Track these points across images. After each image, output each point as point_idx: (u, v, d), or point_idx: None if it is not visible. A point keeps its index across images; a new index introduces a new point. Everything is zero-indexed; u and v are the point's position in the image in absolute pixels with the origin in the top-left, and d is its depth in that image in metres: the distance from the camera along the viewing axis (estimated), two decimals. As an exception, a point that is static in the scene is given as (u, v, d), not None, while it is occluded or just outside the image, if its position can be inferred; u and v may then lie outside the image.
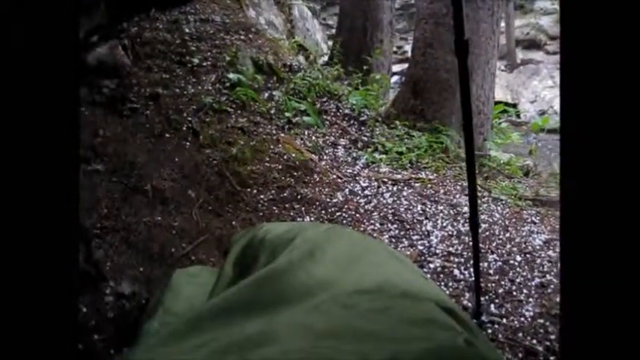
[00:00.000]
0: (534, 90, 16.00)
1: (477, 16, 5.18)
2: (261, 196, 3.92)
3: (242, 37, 5.55)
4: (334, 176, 4.37)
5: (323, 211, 3.87)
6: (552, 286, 3.17)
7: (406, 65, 7.05)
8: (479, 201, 4.36)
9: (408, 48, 14.72)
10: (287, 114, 4.84)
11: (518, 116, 15.52)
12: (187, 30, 5.32)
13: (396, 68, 13.42)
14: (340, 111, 5.42)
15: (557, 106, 14.55)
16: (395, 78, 12.67)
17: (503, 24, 11.77)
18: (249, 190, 3.93)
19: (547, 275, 3.30)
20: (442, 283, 3.20)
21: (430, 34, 5.46)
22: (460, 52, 1.97)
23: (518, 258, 3.50)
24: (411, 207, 4.13)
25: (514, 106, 14.90)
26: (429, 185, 4.50)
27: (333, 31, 8.83)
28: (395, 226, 3.83)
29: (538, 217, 4.36)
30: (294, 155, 4.34)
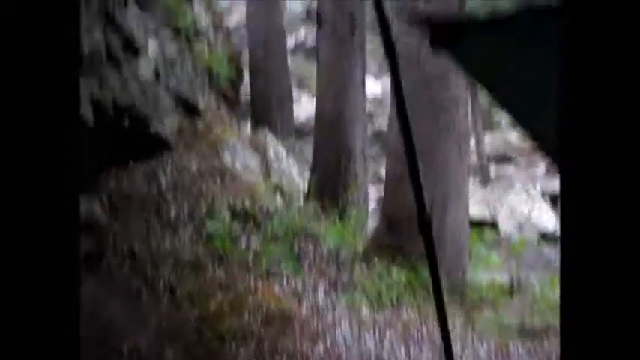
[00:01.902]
0: (510, 204, 16.26)
1: (446, 149, 5.39)
2: (241, 351, 3.85)
3: (218, 183, 5.67)
4: (314, 324, 4.32)
5: (304, 365, 3.80)
6: None
7: (382, 187, 7.22)
8: (463, 335, 4.31)
9: (383, 172, 15.04)
10: (265, 262, 4.86)
11: (497, 232, 15.63)
12: (164, 181, 5.43)
13: (372, 191, 13.62)
14: (318, 251, 5.45)
15: (534, 219, 14.76)
16: (372, 204, 12.85)
17: (473, 142, 12.17)
18: (227, 345, 3.86)
19: None
20: None
21: (400, 170, 5.62)
22: (424, 228, 2.02)
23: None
24: (393, 352, 4.07)
25: (493, 225, 15.04)
26: (411, 325, 4.46)
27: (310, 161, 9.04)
28: (378, 376, 3.76)
29: (524, 349, 4.31)
30: (272, 305, 4.31)
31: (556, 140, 1.14)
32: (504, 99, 1.69)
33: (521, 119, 1.71)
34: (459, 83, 5.53)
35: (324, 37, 7.58)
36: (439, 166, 5.27)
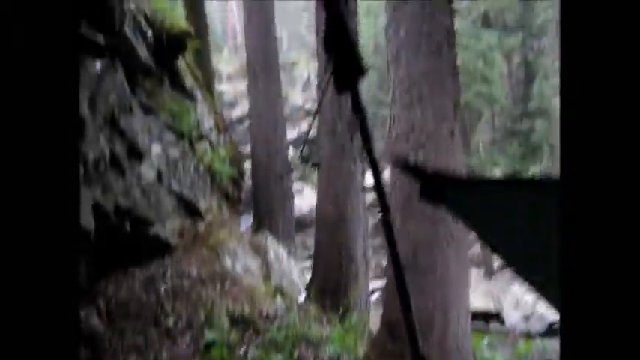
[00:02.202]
0: (515, 295, 16.05)
1: (443, 257, 5.37)
2: None
3: (218, 288, 5.63)
4: None
5: None
6: None
7: (385, 280, 7.13)
8: None
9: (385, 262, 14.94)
10: (263, 373, 4.75)
11: (502, 323, 15.38)
12: (163, 286, 5.40)
13: (375, 284, 13.51)
14: (319, 358, 5.33)
15: (541, 309, 14.51)
16: (375, 295, 12.71)
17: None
18: None
19: None
20: None
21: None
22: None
23: None
24: None
25: (497, 316, 14.83)
26: None
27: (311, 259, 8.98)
28: None
29: None
30: (271, 421, 4.18)
31: (556, 290, 1.14)
32: (497, 249, 1.71)
33: (519, 269, 1.71)
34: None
35: (324, 138, 7.73)
36: (439, 275, 5.23)
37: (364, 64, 1.57)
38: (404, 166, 1.70)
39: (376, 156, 1.63)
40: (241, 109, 20.03)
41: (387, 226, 1.66)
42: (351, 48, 1.48)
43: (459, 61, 5.77)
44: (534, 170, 21.11)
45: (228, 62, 24.10)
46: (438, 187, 1.49)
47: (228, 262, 6.11)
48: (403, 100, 5.21)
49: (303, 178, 18.00)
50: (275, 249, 7.05)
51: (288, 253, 7.54)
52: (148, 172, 6.21)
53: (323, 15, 1.48)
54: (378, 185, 1.62)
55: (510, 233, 1.51)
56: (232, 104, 21.63)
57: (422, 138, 5.20)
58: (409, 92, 5.16)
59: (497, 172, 21.93)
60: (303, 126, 21.06)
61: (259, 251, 6.84)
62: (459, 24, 17.82)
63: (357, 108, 1.56)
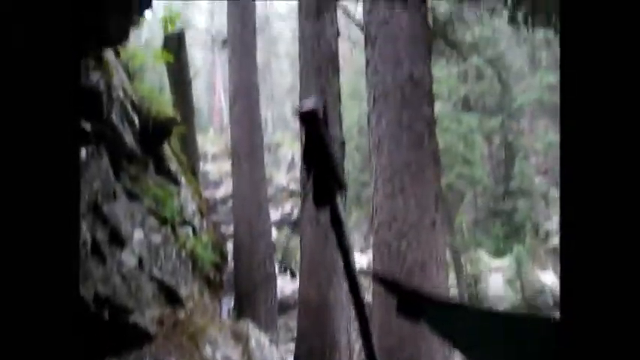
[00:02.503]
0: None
1: (429, 350, 5.28)
2: None
3: (197, 380, 5.46)
4: None
5: None
6: None
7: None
8: None
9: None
10: None
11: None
12: (141, 379, 5.22)
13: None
14: None
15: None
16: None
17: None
18: None
19: None
20: None
21: None
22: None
23: None
24: None
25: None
26: None
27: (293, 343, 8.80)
28: None
29: None
30: None
31: None
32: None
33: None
34: (439, 273, 5.58)
35: (307, 224, 7.74)
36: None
37: (343, 178, 1.59)
38: (381, 282, 1.70)
39: (354, 269, 1.62)
40: (225, 188, 20.10)
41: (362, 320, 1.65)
42: (331, 163, 1.50)
43: (440, 144, 5.89)
44: (518, 249, 21.16)
45: (214, 142, 24.39)
46: (416, 305, 1.49)
47: (208, 350, 5.94)
48: (385, 190, 5.28)
49: (286, 259, 17.83)
50: (257, 337, 6.89)
51: (270, 340, 7.38)
52: (129, 258, 6.13)
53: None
54: (356, 298, 1.61)
55: (495, 354, 1.50)
56: (217, 184, 21.73)
57: (404, 227, 5.23)
58: (391, 182, 5.24)
59: (482, 253, 21.95)
60: (287, 207, 21.11)
61: (241, 339, 6.68)
62: (440, 107, 18.30)
63: (336, 221, 1.57)
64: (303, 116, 1.46)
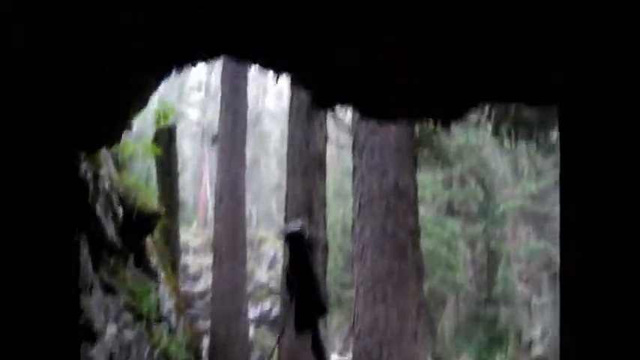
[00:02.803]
0: None
1: None
2: None
3: None
4: None
5: None
6: None
7: None
8: None
9: None
10: None
11: None
12: None
13: None
14: None
15: None
16: None
17: None
18: None
19: None
20: None
21: None
22: None
23: None
24: None
25: None
26: None
27: None
28: None
29: None
30: None
31: None
32: None
33: None
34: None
35: (288, 322, 7.58)
36: None
37: (326, 302, 1.59)
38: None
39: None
40: (205, 282, 19.77)
41: None
42: (314, 286, 1.51)
43: (423, 249, 5.90)
44: (500, 358, 20.70)
45: (197, 235, 24.24)
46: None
47: None
48: (367, 299, 5.23)
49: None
50: None
51: None
52: (99, 356, 5.91)
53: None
54: None
55: None
56: (196, 278, 21.38)
57: (386, 336, 5.15)
58: (372, 291, 5.20)
59: (463, 360, 21.47)
60: (266, 304, 20.72)
61: None
62: (424, 211, 18.49)
63: (317, 346, 1.56)
64: (288, 238, 1.49)
